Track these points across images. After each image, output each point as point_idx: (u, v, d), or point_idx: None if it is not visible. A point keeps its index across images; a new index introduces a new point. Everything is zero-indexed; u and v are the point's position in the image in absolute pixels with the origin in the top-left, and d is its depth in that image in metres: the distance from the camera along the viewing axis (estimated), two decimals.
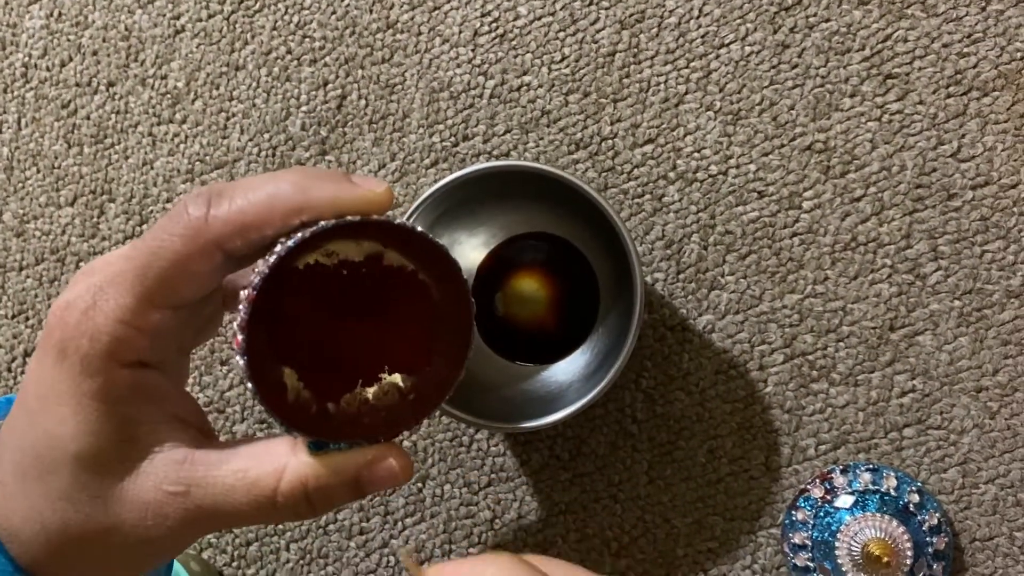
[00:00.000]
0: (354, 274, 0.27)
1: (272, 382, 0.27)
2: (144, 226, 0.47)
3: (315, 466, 0.28)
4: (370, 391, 0.28)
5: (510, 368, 0.43)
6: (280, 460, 0.28)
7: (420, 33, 0.45)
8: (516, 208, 0.42)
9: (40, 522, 0.28)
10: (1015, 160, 0.41)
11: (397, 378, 0.28)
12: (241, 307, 0.26)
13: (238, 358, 0.26)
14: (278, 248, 0.26)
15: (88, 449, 0.27)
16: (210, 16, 0.46)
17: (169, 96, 0.46)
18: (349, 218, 0.26)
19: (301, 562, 0.45)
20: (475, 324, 0.29)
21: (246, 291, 0.26)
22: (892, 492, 0.40)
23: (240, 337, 0.26)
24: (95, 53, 0.47)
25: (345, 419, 0.27)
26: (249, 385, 0.26)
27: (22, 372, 0.47)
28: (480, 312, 0.43)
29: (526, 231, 0.43)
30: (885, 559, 0.39)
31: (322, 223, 0.26)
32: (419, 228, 0.27)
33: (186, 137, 0.46)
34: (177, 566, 0.43)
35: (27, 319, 0.47)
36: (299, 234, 0.26)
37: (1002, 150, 0.41)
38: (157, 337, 0.28)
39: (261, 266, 0.26)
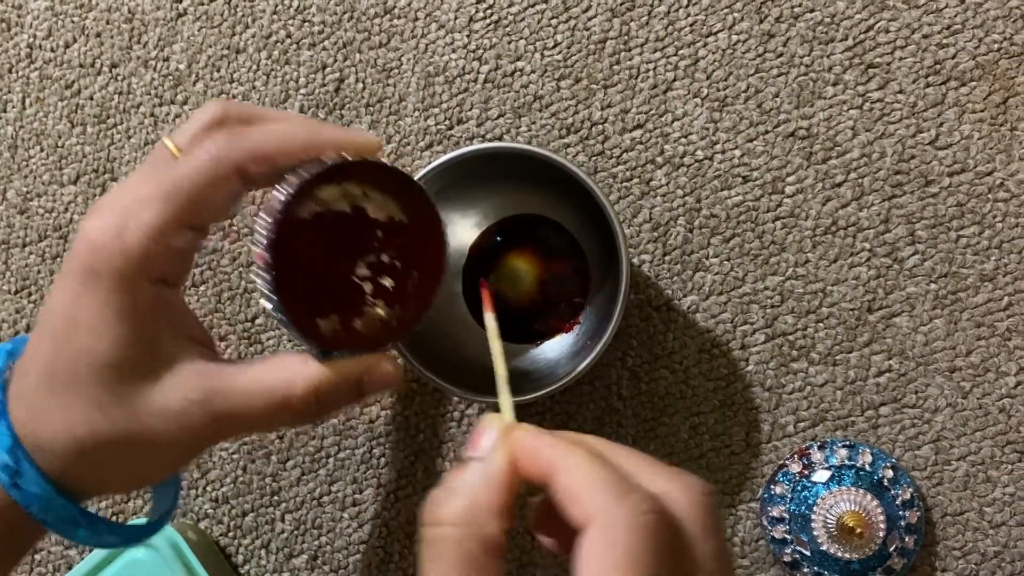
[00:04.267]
0: (342, 220, 0.31)
1: (288, 297, 0.30)
2: None
3: (325, 372, 0.31)
4: (358, 321, 0.32)
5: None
6: (294, 369, 0.31)
7: (417, 19, 0.46)
8: (508, 190, 0.44)
9: (70, 432, 0.30)
10: (991, 148, 0.43)
11: (379, 310, 0.32)
12: (261, 228, 0.30)
13: (263, 274, 0.30)
14: (293, 178, 0.30)
15: (120, 360, 0.30)
16: (211, 0, 0.47)
17: (171, 78, 0.48)
18: (350, 158, 0.31)
19: (296, 532, 0.46)
20: (447, 259, 0.34)
21: (265, 216, 0.30)
22: (867, 467, 0.42)
23: (267, 255, 0.30)
24: (99, 35, 0.48)
25: (343, 336, 0.32)
26: (274, 298, 0.30)
27: None
28: (471, 291, 0.44)
29: (517, 212, 0.44)
30: (859, 531, 0.40)
31: (331, 158, 0.30)
32: (405, 171, 0.32)
33: (187, 118, 0.47)
34: (175, 536, 0.44)
35: (30, 294, 0.48)
36: (313, 168, 0.30)
37: (978, 138, 0.43)
38: (179, 257, 0.31)
39: (278, 194, 0.30)
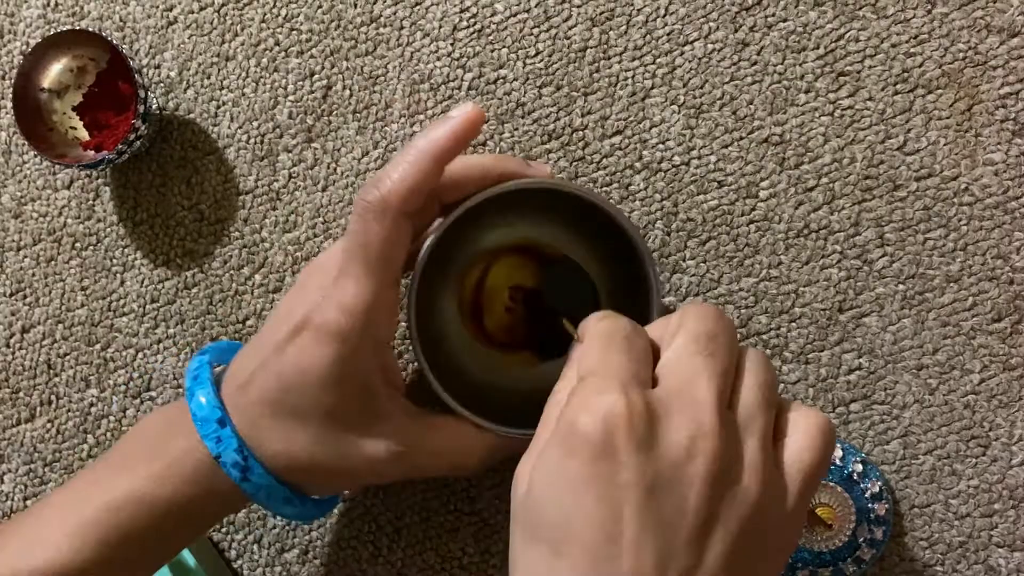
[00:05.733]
0: None
1: None
2: (137, 208, 0.49)
3: (491, 447, 0.38)
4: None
5: (501, 361, 0.43)
6: (471, 440, 0.38)
7: (402, 27, 0.47)
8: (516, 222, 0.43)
9: (291, 454, 0.36)
10: (956, 154, 0.44)
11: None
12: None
13: None
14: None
15: (343, 412, 0.36)
16: (201, 8, 0.48)
17: (162, 85, 0.49)
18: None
19: (287, 527, 0.48)
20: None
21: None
22: (838, 462, 0.43)
23: None
24: None
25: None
26: None
27: (20, 348, 0.49)
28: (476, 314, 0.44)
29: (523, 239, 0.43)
30: (830, 523, 0.42)
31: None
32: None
33: (178, 124, 0.49)
34: None
35: (24, 297, 0.49)
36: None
37: (944, 144, 0.44)
38: (391, 315, 0.36)
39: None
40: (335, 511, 0.47)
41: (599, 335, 0.31)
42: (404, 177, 0.34)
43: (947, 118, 0.44)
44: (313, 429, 0.35)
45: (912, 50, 0.44)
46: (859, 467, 0.43)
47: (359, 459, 0.36)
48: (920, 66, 0.44)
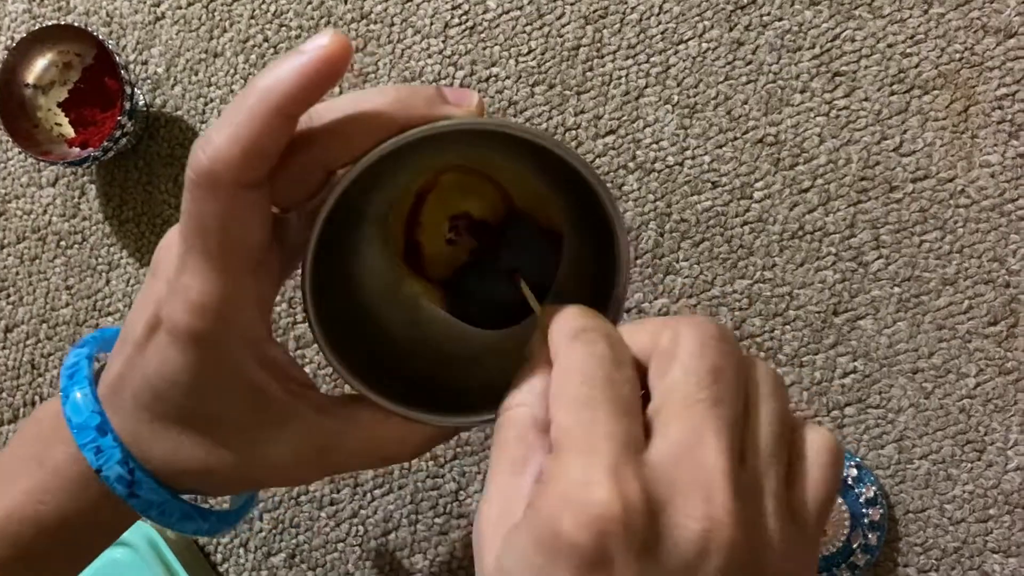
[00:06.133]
0: None
1: None
2: (124, 207, 0.48)
3: (428, 438, 0.32)
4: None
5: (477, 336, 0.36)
6: (401, 435, 0.32)
7: (393, 24, 0.47)
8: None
9: (180, 466, 0.30)
10: (952, 155, 0.44)
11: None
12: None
13: None
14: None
15: (235, 417, 0.30)
16: (190, 4, 0.48)
17: (149, 81, 0.48)
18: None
19: (274, 531, 0.47)
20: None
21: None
22: None
23: None
24: None
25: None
26: None
27: (3, 347, 0.49)
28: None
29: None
30: (824, 528, 0.41)
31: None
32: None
33: (165, 121, 0.48)
34: (154, 534, 0.45)
35: (8, 296, 0.49)
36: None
37: (940, 145, 0.44)
38: (258, 303, 0.30)
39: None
40: (321, 514, 0.46)
41: (576, 368, 0.25)
42: (235, 138, 0.26)
43: (943, 119, 0.44)
44: (201, 438, 0.30)
45: (908, 50, 0.44)
46: (854, 472, 0.43)
47: (263, 468, 0.31)
48: (916, 66, 0.44)
